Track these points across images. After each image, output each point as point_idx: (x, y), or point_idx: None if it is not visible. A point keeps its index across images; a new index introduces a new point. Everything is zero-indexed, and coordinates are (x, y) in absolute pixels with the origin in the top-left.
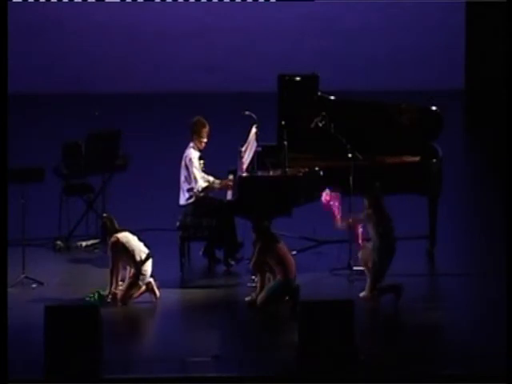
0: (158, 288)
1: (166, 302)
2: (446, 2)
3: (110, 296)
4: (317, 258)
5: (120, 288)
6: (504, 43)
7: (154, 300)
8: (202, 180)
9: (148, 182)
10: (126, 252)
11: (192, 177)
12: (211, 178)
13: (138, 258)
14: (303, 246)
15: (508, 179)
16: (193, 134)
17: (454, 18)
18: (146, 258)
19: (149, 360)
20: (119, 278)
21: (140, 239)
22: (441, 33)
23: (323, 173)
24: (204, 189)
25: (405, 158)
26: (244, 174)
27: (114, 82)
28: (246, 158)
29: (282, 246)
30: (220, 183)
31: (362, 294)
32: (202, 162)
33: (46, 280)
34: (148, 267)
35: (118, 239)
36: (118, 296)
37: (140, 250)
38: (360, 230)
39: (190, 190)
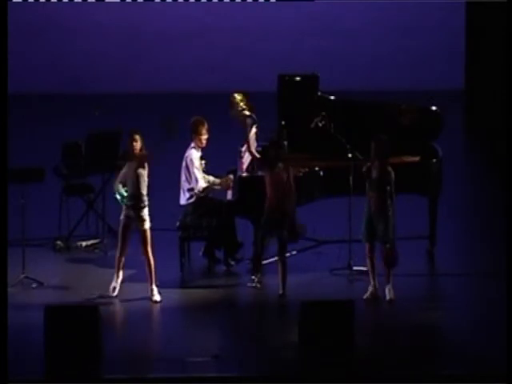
0: (160, 293)
1: (166, 302)
2: (446, 2)
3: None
4: (317, 258)
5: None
6: (504, 43)
7: (154, 303)
8: (202, 180)
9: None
10: None
11: (193, 177)
12: (211, 178)
13: None
14: (303, 246)
15: (508, 179)
16: (192, 134)
17: (453, 18)
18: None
19: (149, 360)
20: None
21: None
22: (441, 33)
23: (323, 173)
24: (204, 189)
25: (405, 157)
26: (244, 174)
27: (114, 82)
28: (246, 158)
29: (283, 174)
30: (220, 183)
31: (365, 296)
32: (203, 162)
33: (46, 280)
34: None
35: None
36: None
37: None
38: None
39: (190, 189)
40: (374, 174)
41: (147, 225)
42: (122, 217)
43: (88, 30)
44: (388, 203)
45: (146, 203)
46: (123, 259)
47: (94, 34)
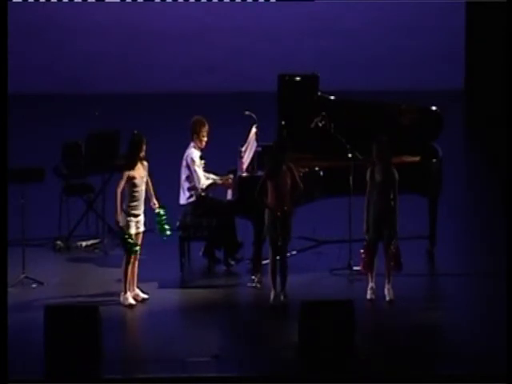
0: (145, 292)
1: (166, 302)
2: (446, 2)
3: None
4: (317, 258)
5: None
6: (504, 43)
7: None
8: (204, 178)
9: None
10: None
11: (195, 176)
12: (212, 176)
13: None
14: (303, 246)
15: (508, 179)
16: (193, 134)
17: (453, 18)
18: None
19: (149, 360)
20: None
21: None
22: (441, 33)
23: (323, 173)
24: (208, 186)
25: (405, 157)
26: (244, 174)
27: (114, 82)
28: (246, 158)
29: (286, 178)
30: (222, 179)
31: (368, 297)
32: (203, 161)
33: (46, 280)
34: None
35: None
36: None
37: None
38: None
39: (190, 189)
40: (378, 176)
41: (143, 228)
42: (136, 230)
43: (88, 30)
44: (393, 205)
45: None
46: None
47: (94, 34)
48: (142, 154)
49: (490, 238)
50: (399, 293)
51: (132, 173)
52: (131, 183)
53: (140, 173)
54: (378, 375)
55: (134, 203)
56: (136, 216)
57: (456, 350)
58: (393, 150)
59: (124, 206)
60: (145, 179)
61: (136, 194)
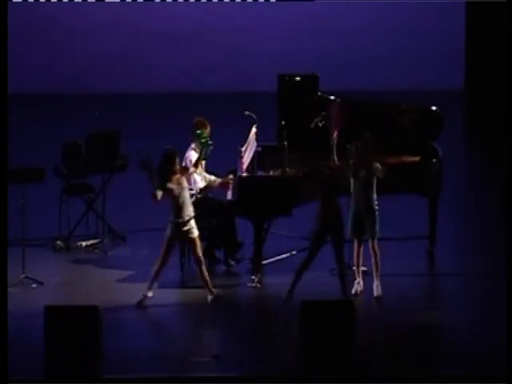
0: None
1: (166, 302)
2: (446, 2)
3: None
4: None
5: None
6: (504, 43)
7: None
8: (200, 181)
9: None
10: None
11: (191, 179)
12: (213, 177)
13: None
14: (303, 246)
15: (508, 179)
16: (194, 135)
17: (453, 18)
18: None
19: (149, 360)
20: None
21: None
22: (441, 33)
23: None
24: (202, 190)
25: (405, 157)
26: (244, 174)
27: (114, 82)
28: (246, 158)
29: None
30: (220, 182)
31: (353, 291)
32: (203, 162)
33: (46, 280)
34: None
35: None
36: None
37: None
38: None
39: (189, 189)
40: (362, 171)
41: (196, 233)
42: (169, 232)
43: (88, 30)
44: (374, 198)
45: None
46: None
47: (94, 34)
48: (176, 167)
49: (489, 238)
50: (399, 293)
51: (170, 185)
52: (171, 195)
53: (177, 182)
54: (378, 375)
55: (179, 211)
56: (182, 225)
57: (456, 350)
58: (393, 149)
59: (170, 216)
60: (184, 184)
61: (178, 204)
